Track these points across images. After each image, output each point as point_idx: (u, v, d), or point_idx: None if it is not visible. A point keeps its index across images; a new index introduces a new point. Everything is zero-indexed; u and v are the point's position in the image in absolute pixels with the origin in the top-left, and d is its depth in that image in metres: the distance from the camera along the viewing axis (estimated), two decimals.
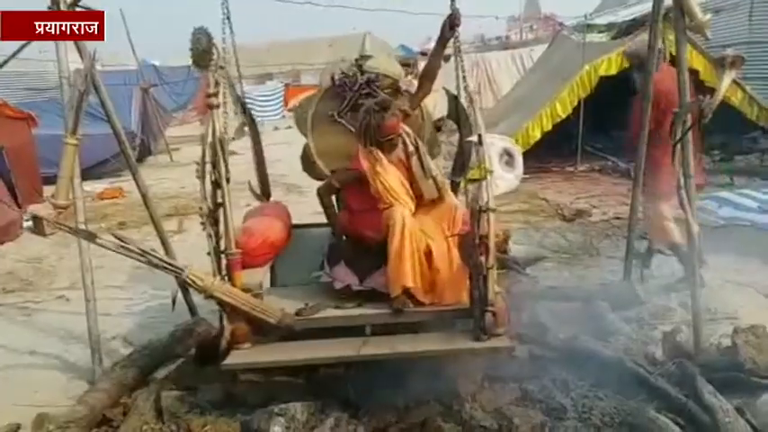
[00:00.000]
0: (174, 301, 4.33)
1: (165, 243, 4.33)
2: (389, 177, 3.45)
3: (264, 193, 4.28)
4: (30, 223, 7.61)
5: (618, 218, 6.54)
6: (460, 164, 3.94)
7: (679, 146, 3.38)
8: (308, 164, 4.08)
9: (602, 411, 3.07)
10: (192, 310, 4.28)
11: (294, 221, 4.07)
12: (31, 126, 8.66)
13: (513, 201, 7.71)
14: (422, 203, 3.55)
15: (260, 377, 3.43)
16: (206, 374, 3.47)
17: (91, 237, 3.15)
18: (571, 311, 4.20)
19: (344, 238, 3.65)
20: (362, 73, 3.84)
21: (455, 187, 3.99)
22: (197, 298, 4.00)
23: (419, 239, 3.33)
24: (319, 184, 3.78)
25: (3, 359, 4.17)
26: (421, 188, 3.52)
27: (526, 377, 3.37)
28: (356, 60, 3.89)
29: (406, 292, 3.28)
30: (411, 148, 3.57)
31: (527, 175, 8.67)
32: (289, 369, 3.38)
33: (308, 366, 3.34)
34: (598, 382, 3.30)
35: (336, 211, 3.78)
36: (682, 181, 3.37)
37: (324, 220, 3.80)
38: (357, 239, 3.57)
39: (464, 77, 3.52)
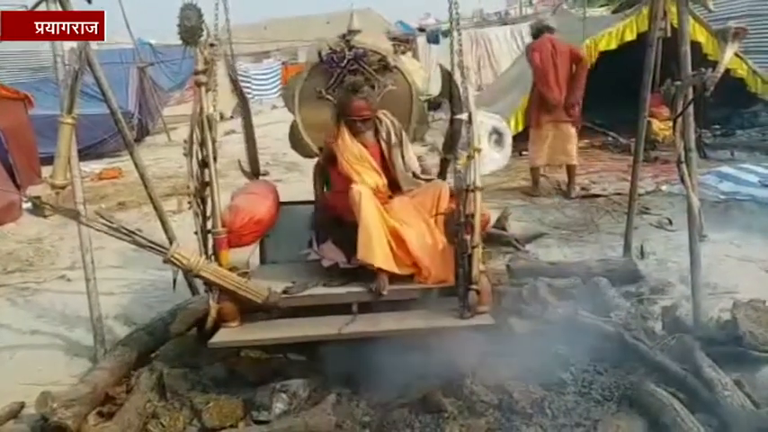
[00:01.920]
0: (174, 281, 4.34)
1: (164, 222, 4.33)
2: (347, 152, 3.46)
3: (254, 172, 4.25)
4: (29, 204, 7.59)
5: (618, 194, 6.52)
6: (450, 141, 3.90)
7: (680, 119, 3.35)
8: (295, 141, 4.08)
9: (602, 386, 3.09)
10: (193, 289, 4.29)
11: (291, 199, 4.06)
12: (27, 107, 8.59)
13: (513, 178, 7.69)
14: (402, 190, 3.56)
15: (261, 354, 3.46)
16: (208, 352, 3.47)
17: (75, 216, 3.16)
18: (570, 287, 4.21)
19: (329, 217, 3.64)
20: (350, 49, 3.80)
21: (445, 164, 3.96)
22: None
23: (386, 219, 3.32)
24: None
25: (5, 339, 4.20)
26: (398, 179, 3.55)
27: (526, 352, 3.40)
28: (343, 36, 3.85)
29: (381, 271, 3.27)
30: (394, 140, 3.59)
31: (527, 152, 8.63)
32: (289, 347, 3.40)
33: (307, 344, 3.35)
34: (598, 357, 3.32)
35: (324, 190, 3.80)
36: (682, 155, 3.35)
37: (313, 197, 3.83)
38: (340, 218, 3.54)
39: (460, 51, 3.46)
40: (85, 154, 7.95)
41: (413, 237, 3.31)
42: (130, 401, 3.15)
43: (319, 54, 3.83)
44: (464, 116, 3.23)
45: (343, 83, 3.76)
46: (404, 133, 3.70)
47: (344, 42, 3.80)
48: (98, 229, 2.96)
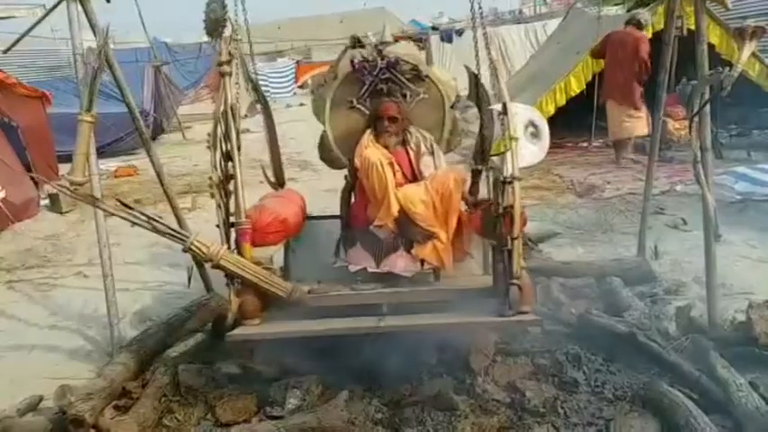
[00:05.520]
0: (189, 277, 4.40)
1: (179, 219, 4.36)
2: (369, 151, 3.41)
3: (278, 182, 4.21)
4: (47, 201, 7.70)
5: (631, 193, 6.49)
6: (481, 151, 3.77)
7: (696, 119, 3.34)
8: (325, 152, 3.97)
9: (615, 385, 3.09)
10: (208, 285, 4.33)
11: (309, 198, 4.02)
12: (45, 105, 8.70)
13: (527, 177, 7.66)
14: None
15: (276, 352, 3.47)
16: (222, 349, 3.51)
17: (92, 201, 3.13)
18: (585, 287, 4.20)
19: (357, 225, 3.57)
20: (382, 58, 3.72)
21: (476, 174, 3.78)
22: (213, 275, 4.03)
23: (397, 194, 3.30)
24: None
25: (24, 333, 4.27)
26: None
27: (539, 351, 3.40)
28: (375, 46, 3.80)
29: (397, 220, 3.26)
30: (424, 149, 3.58)
31: None
32: (304, 344, 3.35)
33: (322, 341, 3.29)
34: (611, 357, 3.32)
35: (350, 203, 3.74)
36: (698, 155, 3.34)
37: (336, 211, 3.80)
38: (367, 227, 3.44)
39: (486, 46, 3.37)
40: (101, 152, 8.03)
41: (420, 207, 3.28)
42: (146, 396, 3.19)
43: (351, 62, 3.76)
44: (498, 106, 3.12)
45: (375, 91, 3.72)
46: (435, 145, 3.65)
47: (377, 52, 3.75)
48: (117, 215, 2.92)
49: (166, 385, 3.29)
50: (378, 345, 3.21)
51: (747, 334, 3.16)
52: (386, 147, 3.55)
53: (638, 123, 7.39)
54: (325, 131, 3.90)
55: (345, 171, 3.88)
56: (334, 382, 3.21)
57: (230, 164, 3.18)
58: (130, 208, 2.97)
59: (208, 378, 3.32)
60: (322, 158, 4.04)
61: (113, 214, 2.99)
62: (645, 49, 7.22)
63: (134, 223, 2.95)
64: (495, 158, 3.17)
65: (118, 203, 3.00)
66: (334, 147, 3.87)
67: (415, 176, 3.56)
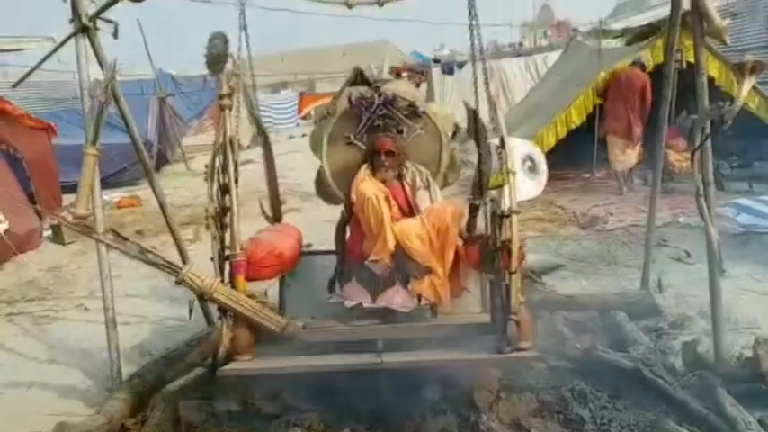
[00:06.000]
0: (190, 310, 4.34)
1: (181, 251, 4.35)
2: (365, 185, 3.42)
3: (275, 217, 4.20)
4: (49, 232, 7.70)
5: (634, 225, 6.48)
6: (479, 185, 3.69)
7: (698, 152, 3.35)
8: (322, 187, 3.99)
9: (621, 423, 3.04)
10: (209, 318, 4.29)
11: (308, 229, 4.01)
12: (50, 136, 8.78)
13: (528, 209, 7.67)
14: None
15: (275, 387, 3.42)
16: (222, 384, 3.47)
17: (88, 232, 3.13)
18: (588, 321, 4.16)
19: (352, 260, 3.55)
20: (380, 95, 3.76)
21: (474, 209, 3.69)
22: (215, 308, 3.99)
23: (393, 228, 3.30)
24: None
25: (23, 367, 4.23)
26: None
27: (543, 387, 3.35)
28: (372, 84, 3.84)
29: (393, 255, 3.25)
30: (419, 184, 3.61)
31: None
32: (304, 380, 3.30)
33: (321, 377, 3.24)
34: (617, 393, 3.27)
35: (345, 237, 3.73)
36: (701, 188, 3.34)
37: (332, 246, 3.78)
38: (363, 262, 3.41)
39: (486, 82, 3.40)
40: (105, 182, 8.07)
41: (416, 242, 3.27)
42: None
43: (349, 99, 3.79)
44: (496, 140, 3.14)
45: (373, 128, 3.75)
46: (431, 179, 3.67)
47: (374, 90, 3.78)
48: (111, 245, 2.94)
49: (166, 422, 3.25)
50: (378, 381, 3.16)
51: (755, 370, 3.12)
52: (383, 181, 3.56)
53: (632, 156, 8.29)
54: (322, 167, 3.92)
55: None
56: (336, 420, 3.15)
57: (227, 196, 3.18)
58: (125, 239, 2.96)
59: (208, 414, 3.28)
60: (319, 194, 4.06)
61: (108, 245, 2.99)
62: (649, 91, 7.89)
63: (128, 255, 2.95)
64: (493, 192, 3.17)
65: (113, 234, 3.00)
66: (332, 182, 3.89)
67: (411, 211, 3.56)
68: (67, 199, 8.25)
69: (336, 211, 4.03)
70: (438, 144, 3.83)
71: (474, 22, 3.24)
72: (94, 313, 4.54)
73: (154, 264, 2.98)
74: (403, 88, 3.91)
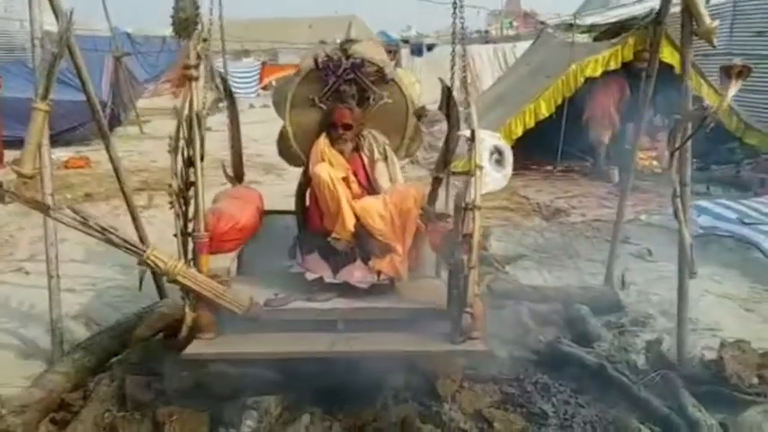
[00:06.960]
0: (141, 280, 4.13)
1: (135, 219, 4.13)
2: (320, 167, 3.35)
3: (237, 176, 4.06)
4: None
5: (597, 220, 6.52)
6: (444, 159, 3.80)
7: (677, 153, 3.32)
8: (284, 148, 3.87)
9: (584, 419, 3.01)
10: (161, 290, 4.09)
11: (269, 204, 3.88)
12: None
13: (494, 198, 7.64)
14: None
15: (230, 367, 3.28)
16: (173, 361, 3.28)
17: (45, 209, 2.95)
18: (553, 313, 4.14)
19: (314, 230, 3.48)
20: (347, 57, 3.63)
21: (437, 183, 3.85)
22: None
23: (353, 204, 3.27)
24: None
25: None
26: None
27: (507, 379, 3.30)
28: (341, 44, 3.71)
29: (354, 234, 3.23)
30: (377, 155, 3.53)
31: None
32: (264, 362, 3.20)
33: (284, 359, 3.16)
34: (580, 389, 3.25)
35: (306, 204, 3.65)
36: (677, 189, 3.31)
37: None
38: (325, 232, 3.37)
39: (464, 68, 3.35)
40: (54, 140, 7.66)
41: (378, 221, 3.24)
42: (87, 410, 2.98)
43: (315, 60, 3.65)
44: (466, 132, 3.11)
45: (338, 92, 3.63)
46: (388, 149, 3.59)
47: (342, 51, 3.65)
48: (68, 224, 2.75)
49: (111, 398, 3.08)
50: (339, 363, 3.10)
51: (718, 373, 3.13)
52: (341, 152, 3.50)
53: (608, 136, 9.04)
54: (284, 127, 3.80)
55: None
56: (294, 404, 3.03)
57: (191, 170, 3.03)
58: (86, 219, 2.76)
59: (157, 392, 3.11)
60: (281, 154, 3.93)
61: (65, 224, 2.78)
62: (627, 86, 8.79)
63: (87, 233, 2.76)
64: (458, 184, 3.11)
65: (71, 212, 2.79)
66: (294, 143, 3.77)
67: (371, 185, 3.51)
68: (10, 155, 7.79)
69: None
70: (404, 112, 3.74)
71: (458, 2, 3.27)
72: (36, 278, 4.26)
73: (115, 244, 2.83)
74: (372, 52, 3.76)
